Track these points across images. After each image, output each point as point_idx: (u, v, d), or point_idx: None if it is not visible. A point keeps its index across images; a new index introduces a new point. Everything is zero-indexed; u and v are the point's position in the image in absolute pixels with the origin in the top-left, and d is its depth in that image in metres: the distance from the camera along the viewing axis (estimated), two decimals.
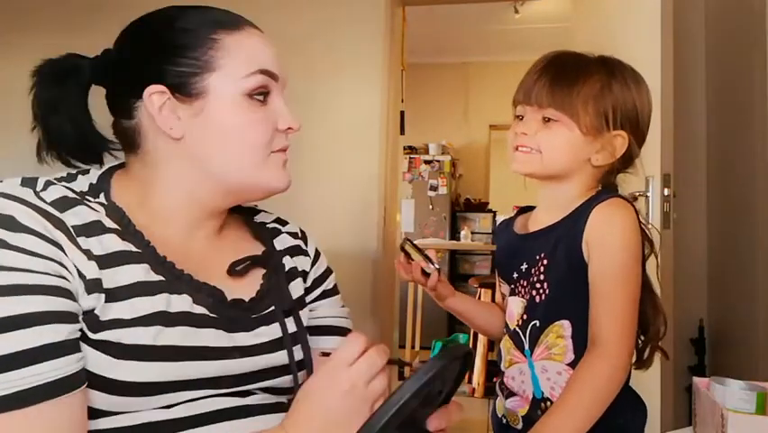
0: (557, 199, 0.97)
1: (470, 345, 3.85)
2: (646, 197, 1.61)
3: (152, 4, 0.79)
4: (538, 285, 0.95)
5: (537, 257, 0.95)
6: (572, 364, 0.91)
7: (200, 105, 0.71)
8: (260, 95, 0.73)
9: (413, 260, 1.06)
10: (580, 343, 0.91)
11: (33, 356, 0.56)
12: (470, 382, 3.75)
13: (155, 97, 0.70)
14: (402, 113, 2.87)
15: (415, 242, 1.09)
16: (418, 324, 4.40)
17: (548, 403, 0.93)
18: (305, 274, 0.85)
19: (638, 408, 0.98)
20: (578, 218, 0.92)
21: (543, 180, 0.98)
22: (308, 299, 0.85)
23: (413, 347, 4.21)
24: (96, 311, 0.62)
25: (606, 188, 0.98)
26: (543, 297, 0.94)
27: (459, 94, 5.88)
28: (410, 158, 5.11)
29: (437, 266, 1.05)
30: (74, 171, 0.73)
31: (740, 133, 2.06)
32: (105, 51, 0.76)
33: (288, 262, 0.83)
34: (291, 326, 0.77)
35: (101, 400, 0.62)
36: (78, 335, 0.61)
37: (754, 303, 1.93)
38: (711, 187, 2.28)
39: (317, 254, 0.89)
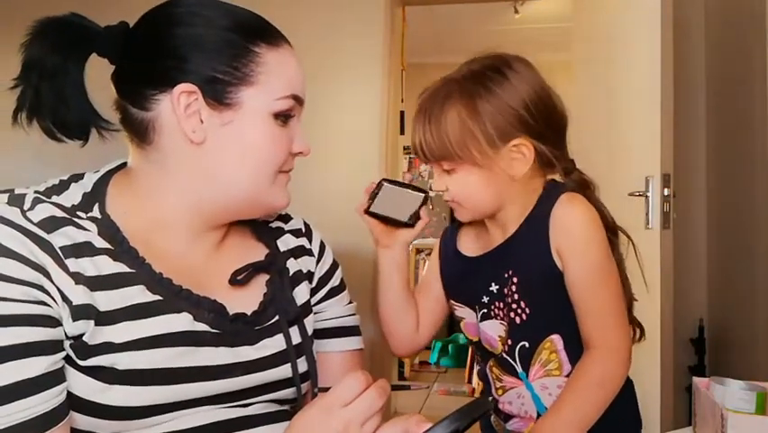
0: (506, 218, 0.93)
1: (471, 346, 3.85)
2: (646, 197, 1.61)
3: (152, 3, 0.78)
4: (515, 306, 0.90)
5: (506, 275, 0.90)
6: (569, 376, 0.90)
7: (230, 115, 0.68)
8: (285, 117, 0.71)
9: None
10: (574, 351, 0.89)
11: (9, 394, 0.53)
12: (469, 382, 3.75)
13: (184, 97, 0.66)
14: (402, 113, 2.87)
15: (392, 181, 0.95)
16: None
17: None
18: (310, 276, 0.82)
19: (629, 389, 0.97)
20: (537, 226, 0.88)
21: (492, 217, 0.94)
22: (315, 299, 0.82)
23: None
24: (84, 337, 0.59)
25: (549, 183, 0.93)
26: (524, 317, 0.89)
27: None
28: (410, 158, 5.11)
29: (425, 193, 0.94)
30: (66, 178, 0.69)
31: (740, 133, 2.06)
32: (123, 26, 0.70)
33: (293, 266, 0.79)
34: (296, 336, 0.74)
35: (92, 424, 0.60)
36: (61, 364, 0.58)
37: (754, 303, 1.93)
38: (711, 187, 2.28)
39: (322, 249, 0.85)
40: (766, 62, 1.83)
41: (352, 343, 0.86)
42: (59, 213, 0.62)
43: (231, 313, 0.70)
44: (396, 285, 0.99)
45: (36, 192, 0.64)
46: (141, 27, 0.71)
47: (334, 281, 0.86)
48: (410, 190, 0.93)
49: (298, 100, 0.72)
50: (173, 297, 0.66)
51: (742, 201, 2.04)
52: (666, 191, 1.61)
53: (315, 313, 0.82)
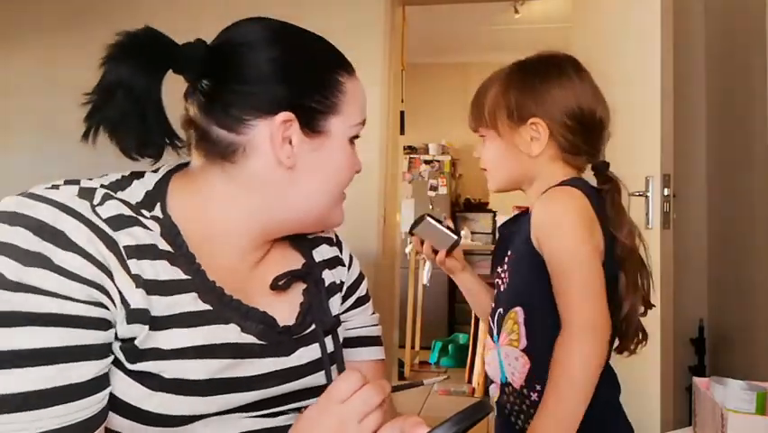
0: (529, 197, 1.02)
1: (471, 346, 3.85)
2: (646, 197, 1.61)
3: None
4: (503, 275, 1.00)
5: (508, 251, 1.00)
6: (525, 350, 0.92)
7: (319, 142, 0.71)
8: (354, 140, 0.76)
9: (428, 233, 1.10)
10: (532, 329, 0.92)
11: (54, 397, 0.52)
12: (469, 381, 3.75)
13: (283, 125, 0.67)
14: (402, 113, 2.87)
15: (433, 217, 1.11)
16: (418, 324, 4.40)
17: (509, 388, 0.95)
18: (342, 286, 0.84)
19: (613, 384, 0.98)
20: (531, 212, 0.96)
21: (518, 190, 1.04)
22: (342, 308, 0.83)
23: (413, 347, 4.21)
24: (136, 341, 0.58)
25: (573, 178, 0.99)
26: (504, 285, 0.99)
27: (459, 94, 5.86)
28: (410, 158, 5.11)
29: (456, 237, 1.09)
30: (127, 174, 0.68)
31: (740, 133, 2.07)
32: (203, 44, 0.69)
33: (328, 277, 0.81)
34: (329, 345, 0.76)
35: (127, 427, 0.60)
36: (107, 369, 0.57)
37: (754, 303, 1.93)
38: (711, 187, 2.28)
39: (351, 259, 0.88)
40: (766, 62, 1.83)
41: (376, 353, 0.88)
42: (127, 211, 0.62)
43: (281, 326, 0.71)
44: (477, 294, 1.16)
45: (102, 186, 0.63)
46: (226, 47, 0.70)
47: (361, 291, 0.88)
48: (446, 230, 1.09)
49: (363, 125, 0.78)
50: (223, 307, 0.66)
51: (742, 201, 2.04)
52: (666, 191, 1.61)
53: (343, 322, 0.83)
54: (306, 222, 0.75)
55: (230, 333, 0.65)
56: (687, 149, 2.21)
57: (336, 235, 0.89)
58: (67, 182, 0.61)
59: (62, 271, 0.54)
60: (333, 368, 0.75)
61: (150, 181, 0.68)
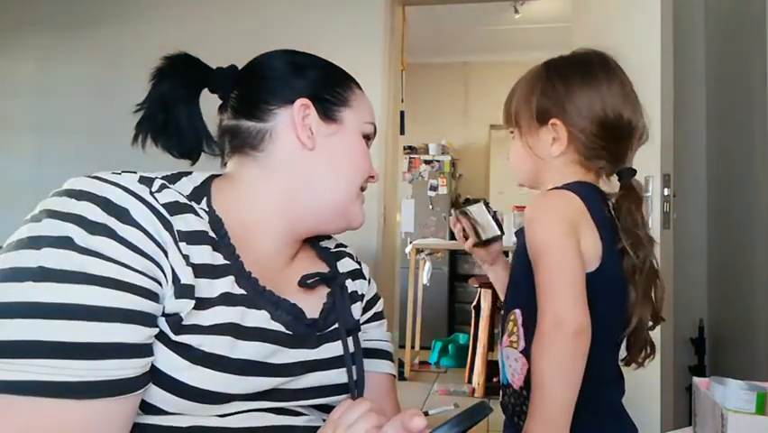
0: None
1: (471, 346, 3.85)
2: (646, 197, 1.61)
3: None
4: (509, 278, 1.04)
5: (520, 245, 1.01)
6: (524, 352, 0.92)
7: (335, 128, 0.80)
8: (367, 140, 0.85)
9: (472, 218, 1.14)
10: (529, 331, 0.92)
11: (100, 351, 0.55)
12: (470, 381, 3.76)
13: (302, 109, 0.78)
14: (402, 113, 2.87)
15: (479, 207, 1.15)
16: (418, 324, 4.40)
17: (510, 389, 0.96)
18: (362, 297, 0.91)
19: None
20: None
21: (535, 189, 1.04)
22: (362, 319, 0.90)
23: (413, 347, 4.21)
24: (181, 314, 0.63)
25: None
26: (508, 288, 1.03)
27: (459, 94, 5.88)
28: (410, 158, 5.11)
29: (500, 232, 1.12)
30: (175, 172, 0.75)
31: (740, 134, 2.07)
32: (233, 68, 0.84)
33: (350, 285, 0.88)
34: (351, 346, 0.80)
35: (166, 400, 0.62)
36: (152, 340, 0.61)
37: (754, 303, 1.93)
38: (711, 187, 2.29)
39: (370, 278, 0.96)
40: (766, 62, 1.83)
41: (388, 367, 0.92)
42: (182, 200, 0.68)
43: (308, 318, 0.76)
44: (499, 287, 1.17)
45: (160, 178, 0.70)
46: (252, 65, 0.83)
47: (378, 307, 0.96)
48: (493, 222, 1.13)
49: (375, 128, 0.86)
50: (256, 294, 0.72)
51: (742, 201, 2.04)
52: (666, 191, 1.61)
53: (362, 332, 0.89)
54: (328, 212, 0.81)
55: (261, 318, 0.70)
56: (687, 149, 2.21)
57: (356, 256, 0.96)
58: (125, 172, 0.66)
59: (125, 242, 0.59)
60: (354, 369, 0.79)
61: (197, 179, 0.76)
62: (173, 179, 0.73)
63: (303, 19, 2.47)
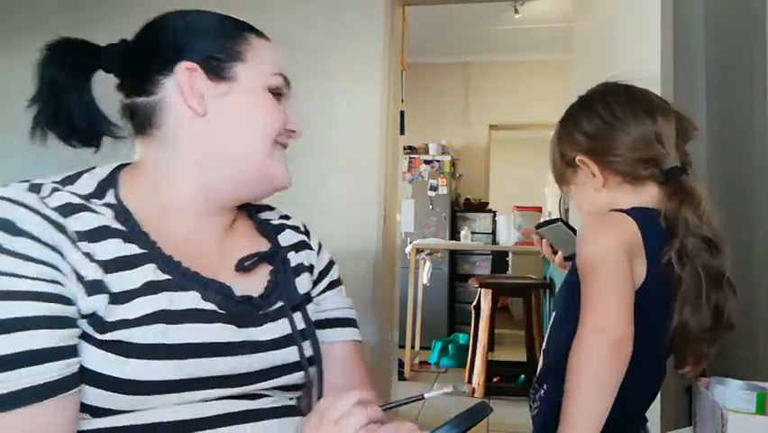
0: None
1: (471, 346, 3.85)
2: None
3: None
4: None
5: None
6: (543, 351, 0.98)
7: (226, 88, 0.75)
8: (276, 94, 0.78)
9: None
10: (552, 332, 0.97)
11: (20, 360, 0.56)
12: (470, 381, 3.75)
13: (187, 73, 0.73)
14: (402, 113, 2.87)
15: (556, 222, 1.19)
16: (418, 324, 4.40)
17: (534, 378, 0.99)
18: (311, 268, 0.87)
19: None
20: None
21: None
22: (315, 291, 0.87)
23: (413, 347, 4.21)
24: (100, 313, 0.62)
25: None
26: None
27: (459, 94, 5.88)
28: (410, 158, 5.10)
29: None
30: (74, 173, 0.73)
31: (740, 134, 2.07)
32: (123, 42, 0.79)
33: (294, 258, 0.85)
34: (299, 322, 0.78)
35: (109, 399, 0.62)
36: (74, 341, 0.61)
37: (754, 303, 1.93)
38: (711, 187, 2.28)
39: (320, 246, 0.91)
40: (766, 63, 1.83)
41: (353, 334, 0.89)
42: (76, 200, 0.67)
43: (238, 296, 0.73)
44: None
45: (53, 182, 0.69)
46: (139, 36, 0.78)
47: (333, 275, 0.91)
48: (574, 236, 1.14)
49: (286, 81, 0.80)
50: (182, 277, 0.70)
51: (742, 201, 2.04)
52: None
53: (316, 304, 0.86)
54: (243, 179, 0.77)
55: (191, 299, 0.69)
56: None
57: (304, 225, 0.92)
58: (19, 182, 0.67)
59: (14, 253, 0.59)
60: (307, 345, 0.77)
61: (102, 173, 0.74)
62: (72, 179, 0.71)
63: (303, 19, 2.47)
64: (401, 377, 3.77)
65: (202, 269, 0.72)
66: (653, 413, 1.54)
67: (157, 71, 0.74)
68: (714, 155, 2.28)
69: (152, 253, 0.69)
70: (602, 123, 0.98)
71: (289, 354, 0.76)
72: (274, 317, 0.76)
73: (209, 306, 0.70)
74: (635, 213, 0.92)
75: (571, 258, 1.13)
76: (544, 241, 1.19)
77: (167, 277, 0.68)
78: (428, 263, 4.48)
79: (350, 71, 2.42)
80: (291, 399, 0.79)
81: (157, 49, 0.75)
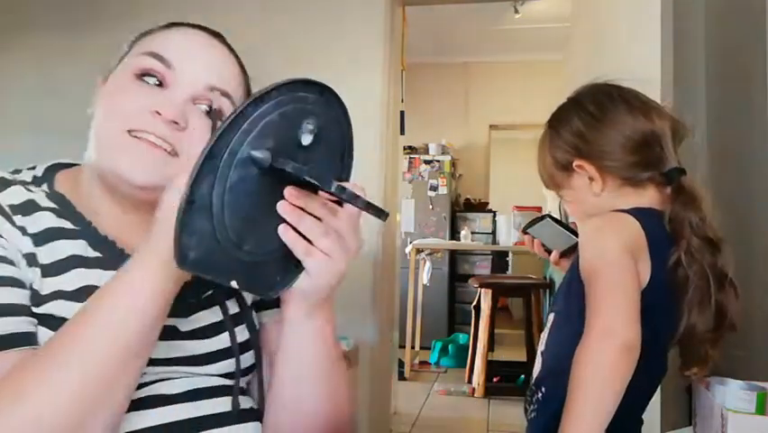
0: None
1: (471, 346, 3.85)
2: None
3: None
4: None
5: None
6: (542, 353, 0.95)
7: (105, 86, 0.73)
8: (150, 77, 0.69)
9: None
10: (552, 335, 0.95)
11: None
12: (470, 381, 3.75)
13: (99, 81, 0.74)
14: (402, 113, 2.87)
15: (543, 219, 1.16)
16: (418, 324, 4.40)
17: (530, 380, 0.98)
18: None
19: None
20: None
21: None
22: None
23: (413, 347, 4.21)
24: (34, 285, 0.63)
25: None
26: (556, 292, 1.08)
27: (459, 94, 5.88)
28: (410, 158, 5.11)
29: (576, 239, 1.11)
30: (21, 168, 0.75)
31: (740, 134, 2.07)
32: None
33: None
34: (234, 307, 0.76)
35: None
36: (27, 301, 0.62)
37: (754, 303, 1.93)
38: (711, 187, 2.28)
39: None
40: (766, 62, 1.83)
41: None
42: (9, 176, 0.69)
43: None
44: None
45: None
46: None
47: None
48: (566, 231, 1.13)
49: (163, 61, 0.70)
50: (114, 257, 0.69)
51: (742, 201, 2.04)
52: None
53: None
54: (102, 170, 0.70)
55: None
56: (687, 149, 2.21)
57: None
58: None
59: None
60: (242, 328, 0.76)
61: (39, 169, 0.75)
62: (13, 173, 0.74)
63: (303, 19, 2.47)
64: (401, 377, 3.77)
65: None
66: (654, 413, 1.54)
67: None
68: (714, 156, 2.28)
69: (85, 231, 0.69)
70: (595, 122, 0.97)
71: (222, 342, 0.73)
72: (206, 305, 0.74)
73: None
74: (637, 213, 0.92)
75: (567, 254, 1.13)
76: (535, 241, 1.17)
77: (97, 255, 0.68)
78: (428, 263, 4.48)
79: (350, 71, 2.42)
80: (226, 382, 0.75)
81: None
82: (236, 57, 0.78)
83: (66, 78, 2.73)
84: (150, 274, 0.58)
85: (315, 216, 0.61)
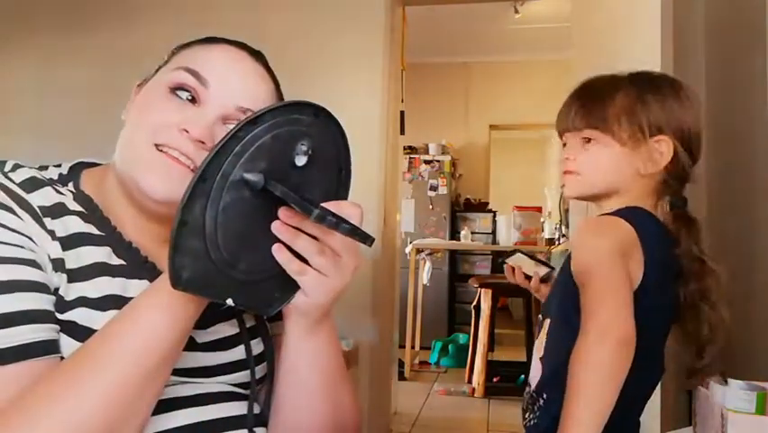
0: (605, 208, 0.99)
1: (471, 346, 3.85)
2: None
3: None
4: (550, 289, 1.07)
5: None
6: (542, 359, 0.95)
7: (141, 93, 0.73)
8: (184, 91, 0.69)
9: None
10: (550, 339, 0.95)
11: (12, 319, 0.57)
12: (470, 381, 3.75)
13: (135, 90, 0.74)
14: (402, 113, 2.87)
15: (522, 254, 1.26)
16: (418, 324, 4.40)
17: (528, 387, 0.97)
18: None
19: None
20: None
21: (594, 202, 1.01)
22: None
23: (413, 347, 4.21)
24: (60, 291, 0.63)
25: (673, 200, 0.98)
26: (547, 298, 1.06)
27: (459, 94, 5.88)
28: (410, 158, 5.11)
29: (551, 268, 1.20)
30: (47, 164, 0.74)
31: (740, 134, 2.07)
32: None
33: None
34: (250, 320, 0.77)
35: None
36: (47, 306, 0.62)
37: (754, 303, 1.93)
38: (711, 187, 2.29)
39: None
40: (766, 62, 1.83)
41: None
42: (40, 175, 0.68)
43: None
44: None
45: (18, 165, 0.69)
46: None
47: None
48: (539, 263, 1.22)
49: (198, 77, 0.69)
50: (137, 265, 0.69)
51: (742, 201, 2.04)
52: None
53: None
54: (126, 181, 0.69)
55: (144, 288, 0.66)
56: None
57: None
58: None
59: None
60: (257, 341, 0.76)
61: (65, 167, 0.75)
62: (40, 168, 0.73)
63: (303, 19, 2.47)
64: (401, 377, 3.77)
65: (157, 261, 0.71)
66: (654, 413, 1.54)
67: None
68: (714, 155, 2.28)
69: (110, 237, 0.68)
70: (689, 104, 0.96)
71: (237, 354, 0.74)
72: (223, 317, 0.74)
73: None
74: (629, 212, 0.93)
75: (546, 280, 1.19)
76: (515, 269, 1.21)
77: (121, 262, 0.68)
78: (428, 263, 4.48)
79: (350, 71, 2.42)
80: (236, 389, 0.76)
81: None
82: (272, 76, 0.78)
83: (66, 78, 2.73)
84: (172, 300, 0.59)
85: (310, 235, 0.62)
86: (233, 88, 0.71)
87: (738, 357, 2.07)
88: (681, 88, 0.97)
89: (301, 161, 0.62)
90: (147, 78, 0.74)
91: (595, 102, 0.96)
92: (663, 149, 0.93)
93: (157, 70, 0.74)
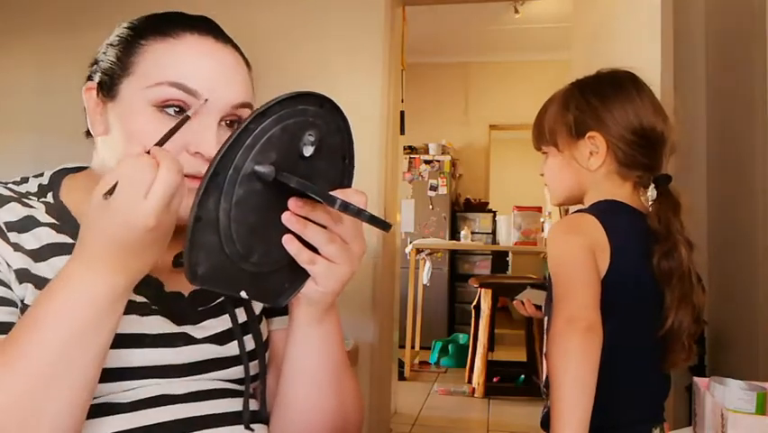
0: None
1: (471, 346, 3.85)
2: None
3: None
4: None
5: None
6: (545, 355, 0.98)
7: (114, 106, 0.70)
8: (172, 108, 0.67)
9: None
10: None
11: None
12: (470, 381, 3.75)
13: (88, 93, 0.73)
14: (402, 113, 2.87)
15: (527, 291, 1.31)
16: (418, 324, 4.40)
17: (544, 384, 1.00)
18: None
19: None
20: None
21: (576, 204, 1.09)
22: None
23: (413, 347, 4.21)
24: (25, 301, 0.63)
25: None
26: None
27: (459, 94, 5.88)
28: (410, 158, 5.10)
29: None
30: (28, 176, 0.75)
31: (740, 134, 2.07)
32: None
33: None
34: (242, 316, 0.77)
35: None
36: (16, 319, 0.62)
37: (753, 303, 1.93)
38: (711, 187, 2.29)
39: None
40: (766, 62, 1.83)
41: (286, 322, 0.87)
42: (6, 192, 0.69)
43: (167, 291, 0.72)
44: None
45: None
46: None
47: None
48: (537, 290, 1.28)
49: (188, 91, 0.67)
50: None
51: (742, 201, 2.04)
52: None
53: None
54: None
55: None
56: (687, 149, 2.21)
57: None
58: None
59: None
60: (248, 338, 0.76)
61: (45, 177, 0.76)
62: (20, 181, 0.74)
63: (303, 19, 2.47)
64: (401, 377, 3.77)
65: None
66: None
67: (86, 87, 0.74)
68: (714, 155, 2.28)
69: None
70: (623, 98, 1.00)
71: (229, 350, 0.74)
72: (215, 313, 0.75)
73: (141, 299, 0.69)
74: (597, 206, 0.99)
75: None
76: (525, 302, 1.27)
77: None
78: (428, 263, 4.48)
79: (350, 71, 2.42)
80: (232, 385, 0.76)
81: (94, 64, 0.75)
82: (239, 51, 0.76)
83: (66, 78, 2.73)
84: (77, 276, 0.57)
85: (319, 224, 0.62)
86: (226, 90, 0.70)
87: (738, 357, 2.07)
88: (621, 87, 1.02)
89: (308, 151, 0.63)
90: (100, 80, 0.72)
91: (539, 119, 1.09)
92: (597, 144, 1.00)
93: (125, 69, 0.70)
